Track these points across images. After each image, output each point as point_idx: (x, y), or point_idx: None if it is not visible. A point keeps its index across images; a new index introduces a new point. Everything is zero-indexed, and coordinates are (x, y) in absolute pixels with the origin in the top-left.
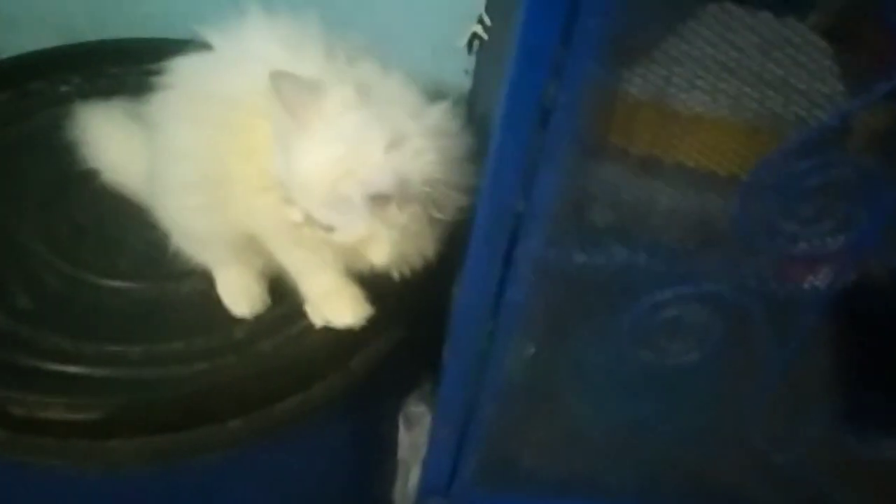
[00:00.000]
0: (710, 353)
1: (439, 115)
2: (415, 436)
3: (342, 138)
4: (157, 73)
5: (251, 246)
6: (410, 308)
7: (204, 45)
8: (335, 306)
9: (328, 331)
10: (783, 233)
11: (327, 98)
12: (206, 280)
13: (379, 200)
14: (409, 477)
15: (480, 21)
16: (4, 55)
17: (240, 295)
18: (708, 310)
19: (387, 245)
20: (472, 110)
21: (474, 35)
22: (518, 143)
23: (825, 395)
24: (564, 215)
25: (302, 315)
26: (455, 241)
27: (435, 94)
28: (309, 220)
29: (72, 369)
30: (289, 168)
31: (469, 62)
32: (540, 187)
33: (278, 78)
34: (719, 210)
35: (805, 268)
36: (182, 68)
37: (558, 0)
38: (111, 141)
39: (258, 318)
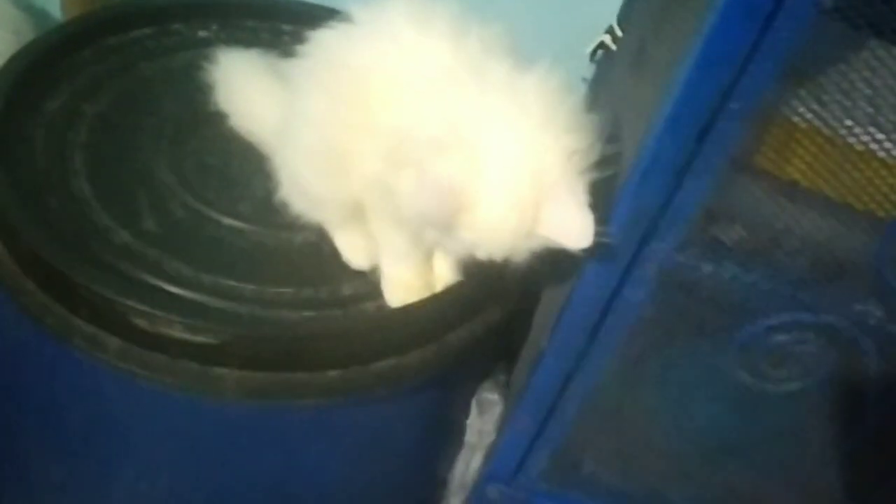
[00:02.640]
0: (810, 387)
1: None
2: (484, 422)
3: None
4: (290, 33)
5: (362, 214)
6: (506, 294)
7: (346, 17)
8: (387, 287)
9: (429, 303)
10: None
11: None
12: (319, 235)
13: None
14: (472, 461)
15: (610, 31)
16: None
17: (359, 248)
18: (821, 342)
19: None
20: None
21: (601, 44)
22: (675, 148)
23: None
24: (700, 224)
25: None
26: None
27: None
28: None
29: (190, 295)
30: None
31: (589, 70)
32: (684, 194)
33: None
34: (855, 246)
35: None
36: (323, 38)
37: (758, 9)
38: (245, 88)
39: (366, 280)
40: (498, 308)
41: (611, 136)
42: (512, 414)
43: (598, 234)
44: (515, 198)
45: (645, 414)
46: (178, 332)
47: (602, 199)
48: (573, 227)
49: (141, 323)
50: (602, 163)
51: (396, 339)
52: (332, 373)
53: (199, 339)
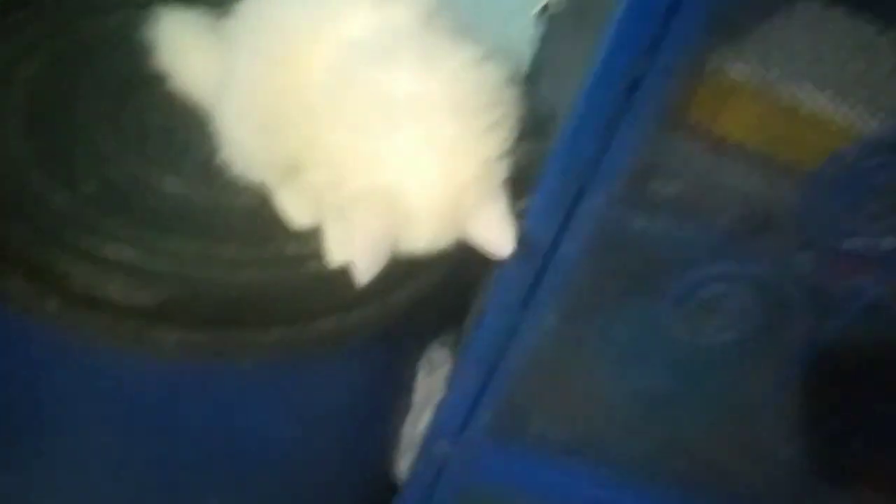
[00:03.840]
0: (742, 338)
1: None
2: (432, 382)
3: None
4: None
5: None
6: (452, 252)
7: None
8: (330, 245)
9: None
10: (841, 227)
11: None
12: (262, 195)
13: None
14: (421, 420)
15: None
16: None
17: (301, 207)
18: (751, 293)
19: None
20: (533, 77)
21: (546, 5)
22: (605, 102)
23: (841, 401)
24: (632, 179)
25: None
26: None
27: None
28: None
29: (128, 255)
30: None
31: (535, 31)
32: (616, 148)
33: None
34: (782, 197)
35: (853, 266)
36: None
37: None
38: (186, 48)
39: (309, 240)
40: (443, 266)
41: (547, 100)
42: (456, 371)
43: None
44: (440, 216)
45: (587, 370)
46: (116, 293)
47: (533, 169)
48: (495, 238)
49: (78, 284)
50: (533, 132)
51: (339, 298)
52: (275, 331)
53: (138, 299)
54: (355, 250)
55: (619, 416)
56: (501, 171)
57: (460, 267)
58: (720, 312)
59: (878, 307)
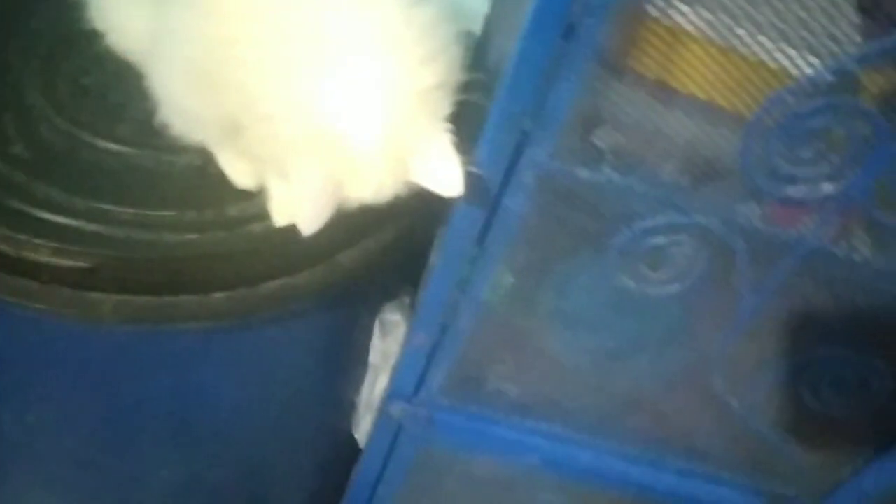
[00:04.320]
0: (689, 288)
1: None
2: (388, 344)
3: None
4: None
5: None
6: (403, 212)
7: None
8: (274, 206)
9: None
10: (781, 173)
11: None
12: (203, 157)
13: None
14: (377, 383)
15: None
16: None
17: (244, 168)
18: (695, 242)
19: None
20: (487, 34)
21: None
22: (541, 48)
23: (788, 346)
24: (573, 130)
25: None
26: None
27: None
28: None
29: (62, 219)
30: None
31: None
32: (555, 97)
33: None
34: (722, 145)
35: (795, 213)
36: None
37: None
38: (119, 4)
39: (253, 200)
40: (393, 227)
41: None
42: (409, 332)
43: (467, 166)
44: (385, 159)
45: (540, 326)
46: (45, 257)
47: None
48: (443, 177)
49: (6, 248)
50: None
51: (285, 260)
52: (218, 295)
53: (68, 262)
54: (297, 201)
55: (573, 372)
56: (443, 106)
57: (413, 226)
58: (667, 263)
59: (820, 252)
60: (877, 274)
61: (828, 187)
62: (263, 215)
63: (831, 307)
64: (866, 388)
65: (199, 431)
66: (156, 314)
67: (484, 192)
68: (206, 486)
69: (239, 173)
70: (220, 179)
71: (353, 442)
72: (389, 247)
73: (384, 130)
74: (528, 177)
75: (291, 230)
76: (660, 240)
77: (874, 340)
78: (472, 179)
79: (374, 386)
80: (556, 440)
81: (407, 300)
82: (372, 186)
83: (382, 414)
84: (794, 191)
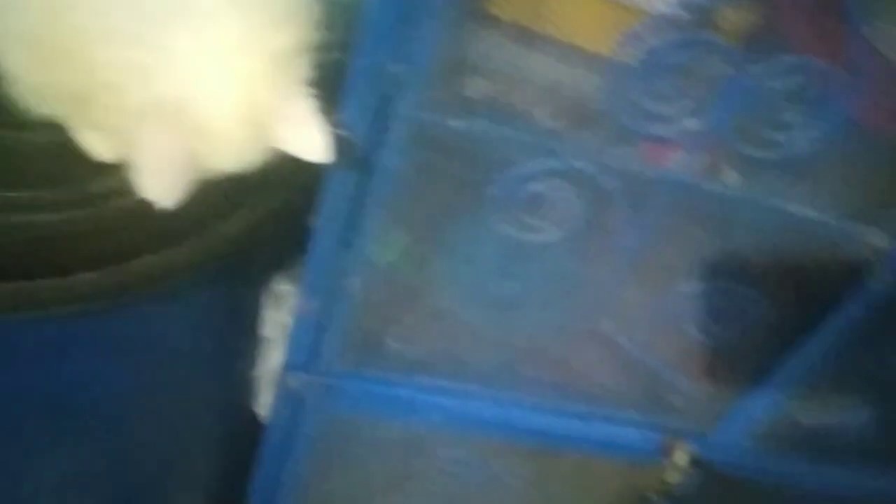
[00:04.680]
0: (571, 233)
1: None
2: (280, 315)
3: None
4: None
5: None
6: (287, 177)
7: None
8: (140, 178)
9: (197, 191)
10: (645, 112)
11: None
12: (58, 130)
13: None
14: (272, 356)
15: None
16: None
17: (103, 139)
18: (573, 187)
19: None
20: None
21: None
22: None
23: (670, 282)
24: (442, 80)
25: None
26: None
27: None
28: None
29: None
30: None
31: None
32: (416, 46)
33: None
34: (589, 88)
35: (664, 150)
36: None
37: None
38: None
39: (118, 174)
40: (276, 193)
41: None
42: (298, 299)
43: (333, 129)
44: (242, 127)
45: (432, 282)
46: None
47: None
48: (307, 142)
49: None
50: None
51: (155, 234)
52: (85, 276)
53: None
54: (147, 172)
55: (469, 326)
56: (302, 68)
57: (299, 192)
58: (546, 210)
59: (691, 188)
60: (745, 205)
61: (691, 123)
62: (129, 189)
63: (707, 241)
64: (745, 317)
65: (83, 422)
66: (20, 299)
67: (354, 153)
68: (101, 478)
69: (97, 146)
70: (79, 155)
71: (257, 419)
72: (273, 214)
73: (237, 96)
74: (400, 131)
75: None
76: (538, 186)
77: (748, 271)
78: (340, 142)
79: (271, 359)
80: (458, 396)
81: (298, 268)
82: (231, 155)
83: (281, 386)
84: (659, 128)
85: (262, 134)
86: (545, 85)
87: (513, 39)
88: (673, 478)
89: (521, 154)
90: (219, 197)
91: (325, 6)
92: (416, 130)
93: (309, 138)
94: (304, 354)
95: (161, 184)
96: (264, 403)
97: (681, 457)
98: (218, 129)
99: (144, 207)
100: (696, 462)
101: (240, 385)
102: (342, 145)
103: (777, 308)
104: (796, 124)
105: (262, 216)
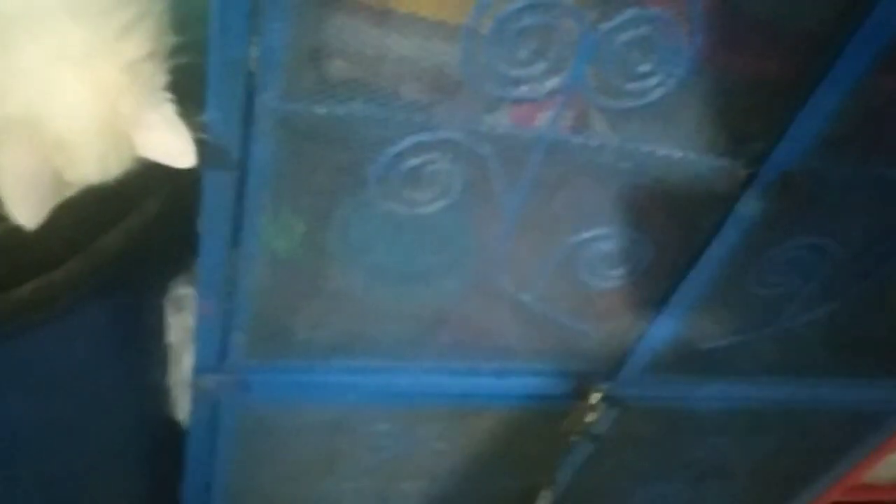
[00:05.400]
0: (455, 200)
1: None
2: (184, 319)
3: None
4: None
5: None
6: (164, 182)
7: None
8: (11, 204)
9: (69, 209)
10: (505, 77)
11: None
12: None
13: None
14: (182, 360)
15: None
16: None
17: None
18: (448, 157)
19: None
20: None
21: None
22: None
23: (557, 234)
24: (300, 67)
25: None
26: None
27: None
28: None
29: None
30: None
31: None
32: (267, 37)
33: None
34: (447, 59)
35: (530, 111)
36: None
37: None
38: None
39: None
40: (154, 200)
41: None
42: (197, 301)
43: (197, 133)
44: (100, 138)
45: (330, 267)
46: None
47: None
48: (170, 148)
49: None
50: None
51: (36, 258)
52: None
53: None
54: (10, 194)
55: (374, 304)
56: (156, 75)
57: (179, 195)
58: (427, 182)
59: (560, 143)
60: (615, 153)
61: (551, 82)
62: (3, 216)
63: (585, 191)
64: (633, 257)
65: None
66: None
67: (222, 153)
68: None
69: None
70: None
71: (179, 426)
72: (154, 221)
73: (92, 107)
74: (266, 124)
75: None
76: (414, 161)
77: (627, 215)
78: (204, 145)
79: (181, 364)
80: (374, 373)
81: (195, 270)
82: (93, 166)
83: (195, 390)
84: (522, 91)
85: (123, 143)
86: (406, 61)
87: (367, 20)
88: (590, 417)
89: (393, 132)
90: (97, 211)
91: (173, 9)
92: (284, 121)
93: (171, 144)
94: (213, 355)
95: (26, 204)
96: (183, 410)
97: (595, 397)
98: (76, 141)
99: (17, 233)
100: (608, 399)
101: (154, 395)
102: (208, 147)
103: (661, 244)
104: (649, 72)
105: (143, 225)
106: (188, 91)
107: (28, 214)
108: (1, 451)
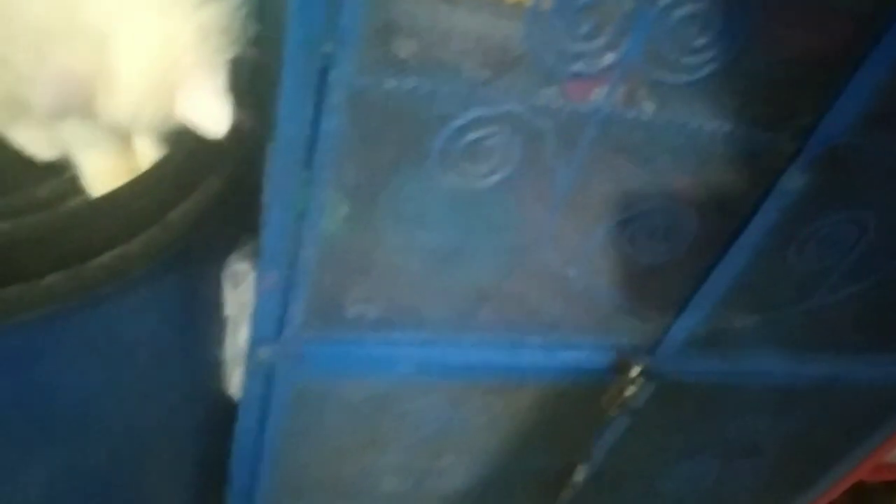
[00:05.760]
0: (510, 175)
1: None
2: (241, 293)
3: None
4: None
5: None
6: (224, 160)
7: None
8: (86, 178)
9: (137, 185)
10: (565, 52)
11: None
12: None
13: None
14: (238, 333)
15: None
16: None
17: (41, 138)
18: (507, 131)
19: None
20: None
21: None
22: None
23: (605, 210)
24: (372, 42)
25: None
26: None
27: None
28: None
29: None
30: None
31: None
32: (346, 12)
33: None
34: (511, 35)
35: (586, 86)
36: None
37: None
38: None
39: (65, 177)
40: (218, 176)
41: None
42: (258, 273)
43: (238, 121)
44: (148, 81)
45: (385, 243)
46: None
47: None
48: (208, 116)
49: None
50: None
51: (112, 230)
52: (50, 278)
53: None
54: (43, 81)
55: (425, 278)
56: (220, 48)
57: (242, 172)
58: (485, 156)
59: (613, 118)
60: (661, 129)
61: (608, 57)
62: (78, 189)
63: (634, 166)
64: (678, 234)
65: (63, 424)
66: None
67: (295, 135)
68: (86, 476)
69: (34, 145)
70: (22, 160)
71: (230, 401)
72: (219, 196)
73: (152, 52)
74: (339, 97)
75: (108, 199)
76: (474, 135)
77: (673, 188)
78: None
79: (237, 337)
80: (422, 346)
81: (251, 246)
82: (126, 106)
83: (251, 361)
84: (580, 66)
85: (165, 97)
86: (469, 37)
87: None
88: (629, 391)
89: (456, 106)
90: (167, 188)
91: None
92: (355, 96)
93: (210, 109)
94: (271, 326)
95: (51, 95)
96: (235, 383)
97: (634, 371)
98: (125, 74)
99: (95, 206)
100: (647, 374)
101: (210, 369)
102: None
103: (705, 219)
104: (704, 47)
105: (209, 200)
106: (247, 80)
107: (48, 106)
108: (76, 416)
